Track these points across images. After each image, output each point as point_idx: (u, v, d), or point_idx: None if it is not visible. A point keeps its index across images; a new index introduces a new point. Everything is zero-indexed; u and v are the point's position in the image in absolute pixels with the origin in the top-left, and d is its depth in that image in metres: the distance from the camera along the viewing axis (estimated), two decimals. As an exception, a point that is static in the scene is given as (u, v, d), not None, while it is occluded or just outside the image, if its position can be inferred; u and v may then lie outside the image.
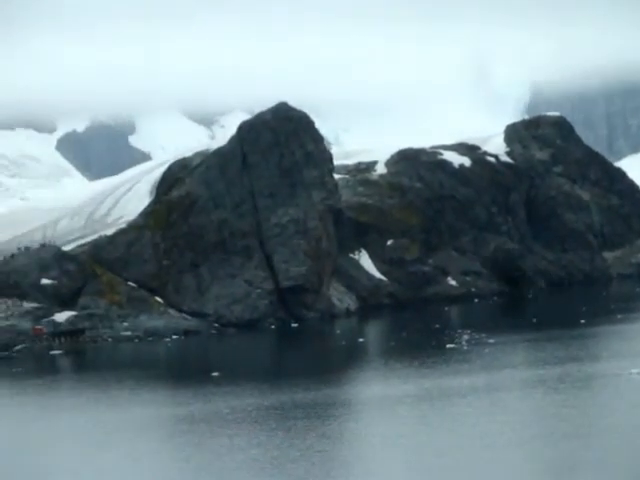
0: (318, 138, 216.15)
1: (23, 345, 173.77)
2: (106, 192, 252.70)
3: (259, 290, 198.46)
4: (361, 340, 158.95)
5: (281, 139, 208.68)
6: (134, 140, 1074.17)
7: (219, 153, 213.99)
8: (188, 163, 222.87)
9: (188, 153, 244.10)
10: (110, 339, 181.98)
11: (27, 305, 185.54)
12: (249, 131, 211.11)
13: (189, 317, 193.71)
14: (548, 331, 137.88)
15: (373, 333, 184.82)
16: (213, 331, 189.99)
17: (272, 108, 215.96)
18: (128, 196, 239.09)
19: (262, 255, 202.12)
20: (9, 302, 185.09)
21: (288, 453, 70.16)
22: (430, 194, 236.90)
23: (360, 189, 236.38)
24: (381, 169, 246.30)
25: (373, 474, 64.43)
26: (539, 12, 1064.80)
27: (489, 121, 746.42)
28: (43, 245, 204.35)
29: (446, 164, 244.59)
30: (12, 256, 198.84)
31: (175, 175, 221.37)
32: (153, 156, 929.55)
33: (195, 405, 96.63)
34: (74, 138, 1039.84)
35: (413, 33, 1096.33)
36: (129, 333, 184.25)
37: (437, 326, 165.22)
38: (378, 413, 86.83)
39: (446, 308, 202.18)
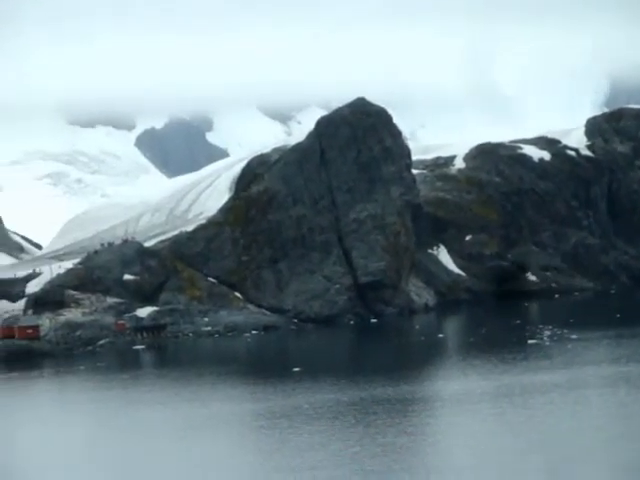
0: (396, 133, 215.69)
1: (106, 340, 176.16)
2: (186, 188, 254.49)
3: (338, 286, 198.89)
4: (440, 336, 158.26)
5: (359, 134, 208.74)
6: (211, 137, 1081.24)
7: (297, 149, 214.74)
8: (267, 159, 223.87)
9: (266, 149, 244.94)
10: (191, 334, 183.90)
11: (110, 300, 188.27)
12: (327, 126, 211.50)
13: (268, 313, 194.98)
14: (632, 327, 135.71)
15: (452, 329, 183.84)
16: (292, 327, 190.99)
17: (350, 103, 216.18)
18: (208, 192, 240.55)
19: (340, 251, 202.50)
20: (92, 297, 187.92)
21: (369, 449, 70.11)
22: (509, 189, 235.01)
23: (438, 184, 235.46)
24: (459, 164, 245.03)
25: (454, 472, 64.17)
26: (618, 3, 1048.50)
27: (568, 115, 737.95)
28: (125, 241, 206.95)
29: (525, 158, 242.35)
30: (95, 252, 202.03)
31: (254, 171, 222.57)
32: (230, 152, 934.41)
33: (275, 401, 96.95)
34: (152, 135, 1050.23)
35: (491, 30, 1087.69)
36: (209, 328, 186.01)
37: (517, 322, 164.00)
38: (458, 410, 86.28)
39: (526, 304, 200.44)
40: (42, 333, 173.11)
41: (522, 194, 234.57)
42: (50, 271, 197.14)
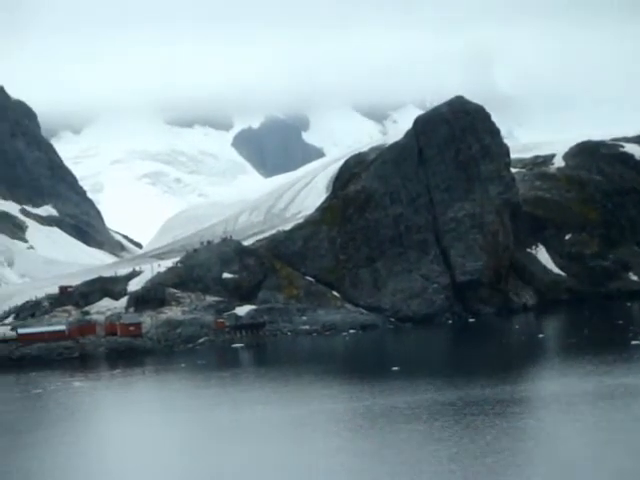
0: (495, 131, 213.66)
1: (206, 338, 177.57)
2: (284, 187, 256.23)
3: (435, 285, 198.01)
4: (541, 336, 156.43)
5: (457, 133, 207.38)
6: (307, 136, 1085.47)
7: (395, 147, 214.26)
8: (364, 158, 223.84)
9: (362, 148, 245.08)
10: (289, 333, 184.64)
11: (209, 299, 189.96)
12: (425, 125, 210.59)
13: (365, 311, 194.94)
14: None
15: (552, 329, 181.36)
16: (389, 326, 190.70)
17: (448, 102, 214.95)
18: (305, 191, 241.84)
19: (438, 250, 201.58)
20: (192, 296, 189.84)
21: (468, 450, 69.72)
22: (610, 187, 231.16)
23: (537, 183, 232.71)
24: (559, 162, 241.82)
25: (557, 474, 63.48)
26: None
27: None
28: (224, 240, 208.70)
29: (627, 156, 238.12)
30: (195, 251, 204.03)
31: (351, 170, 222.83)
32: (326, 151, 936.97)
33: (374, 400, 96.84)
34: (249, 134, 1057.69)
35: (591, 29, 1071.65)
36: (307, 327, 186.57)
37: (619, 322, 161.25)
38: (558, 411, 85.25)
39: (628, 304, 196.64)
40: (144, 331, 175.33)
41: (623, 193, 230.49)
42: (151, 269, 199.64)
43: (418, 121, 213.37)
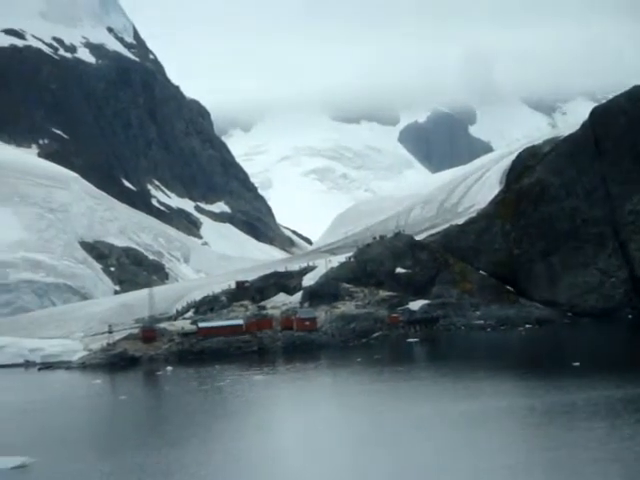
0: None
1: (380, 332, 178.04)
2: (456, 181, 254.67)
3: (613, 279, 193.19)
4: None
5: (636, 123, 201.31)
6: (474, 130, 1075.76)
7: (570, 140, 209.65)
8: (538, 151, 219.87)
9: (536, 141, 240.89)
10: (463, 327, 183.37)
11: (383, 293, 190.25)
12: (602, 116, 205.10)
13: (541, 306, 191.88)
14: None
15: None
16: (566, 320, 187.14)
17: (626, 92, 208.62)
18: (478, 185, 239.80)
19: (616, 243, 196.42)
20: (366, 290, 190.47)
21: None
22: None
23: None
24: None
25: None
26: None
27: None
28: (397, 234, 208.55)
29: None
30: (367, 246, 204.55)
31: (525, 163, 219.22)
32: (493, 145, 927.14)
33: (550, 396, 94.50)
34: (416, 129, 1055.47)
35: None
36: (481, 322, 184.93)
37: None
38: None
39: None
40: (318, 325, 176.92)
41: None
42: (325, 265, 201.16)
43: (594, 112, 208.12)
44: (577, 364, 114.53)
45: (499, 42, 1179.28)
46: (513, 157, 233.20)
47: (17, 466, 75.69)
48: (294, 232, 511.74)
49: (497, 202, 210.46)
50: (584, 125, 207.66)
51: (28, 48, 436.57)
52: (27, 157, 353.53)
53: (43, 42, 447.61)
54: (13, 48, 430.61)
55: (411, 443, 78.22)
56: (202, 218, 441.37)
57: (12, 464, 75.78)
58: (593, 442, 71.82)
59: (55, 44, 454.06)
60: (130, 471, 73.15)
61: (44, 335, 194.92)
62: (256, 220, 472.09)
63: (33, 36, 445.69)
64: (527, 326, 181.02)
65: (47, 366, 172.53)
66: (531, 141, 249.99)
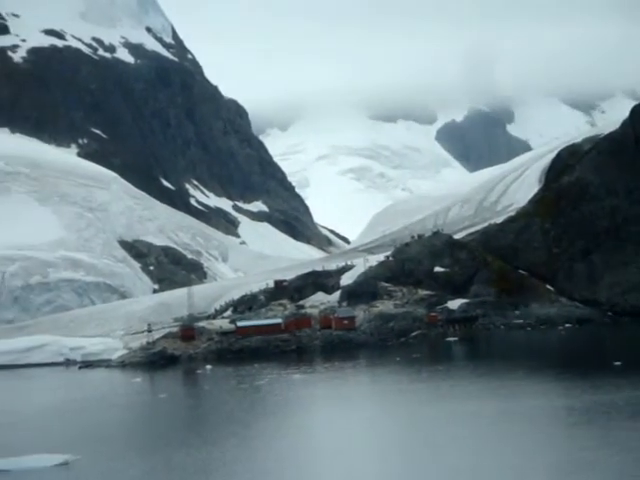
0: None
1: (419, 331, 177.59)
2: (494, 180, 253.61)
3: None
4: None
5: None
6: (512, 128, 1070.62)
7: (610, 138, 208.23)
8: (578, 149, 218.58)
9: (574, 140, 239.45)
10: (502, 327, 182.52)
11: (421, 292, 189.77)
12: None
13: (581, 305, 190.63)
14: None
15: None
16: (606, 320, 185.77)
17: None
18: (517, 184, 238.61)
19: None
20: (404, 290, 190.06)
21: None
22: None
23: None
24: None
25: None
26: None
27: None
28: (435, 233, 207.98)
29: None
30: (406, 244, 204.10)
31: (564, 161, 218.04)
32: (532, 144, 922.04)
33: (590, 396, 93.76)
34: (453, 128, 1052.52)
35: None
36: (520, 321, 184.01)
37: None
38: None
39: None
40: (357, 324, 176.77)
41: None
42: (363, 264, 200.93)
43: (635, 110, 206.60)
44: (618, 363, 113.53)
45: (536, 40, 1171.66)
46: (552, 156, 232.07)
47: (60, 463, 76.39)
48: (331, 231, 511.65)
49: (536, 201, 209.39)
50: (624, 123, 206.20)
51: (68, 48, 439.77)
52: (67, 157, 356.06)
53: (82, 42, 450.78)
54: (53, 48, 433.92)
55: (451, 442, 77.78)
56: (240, 217, 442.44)
57: (55, 462, 76.54)
58: (634, 442, 71.23)
59: (94, 44, 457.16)
60: (171, 469, 73.40)
61: (84, 334, 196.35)
62: (293, 219, 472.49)
63: (73, 36, 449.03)
64: (567, 325, 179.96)
65: (87, 364, 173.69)
66: (570, 140, 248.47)
